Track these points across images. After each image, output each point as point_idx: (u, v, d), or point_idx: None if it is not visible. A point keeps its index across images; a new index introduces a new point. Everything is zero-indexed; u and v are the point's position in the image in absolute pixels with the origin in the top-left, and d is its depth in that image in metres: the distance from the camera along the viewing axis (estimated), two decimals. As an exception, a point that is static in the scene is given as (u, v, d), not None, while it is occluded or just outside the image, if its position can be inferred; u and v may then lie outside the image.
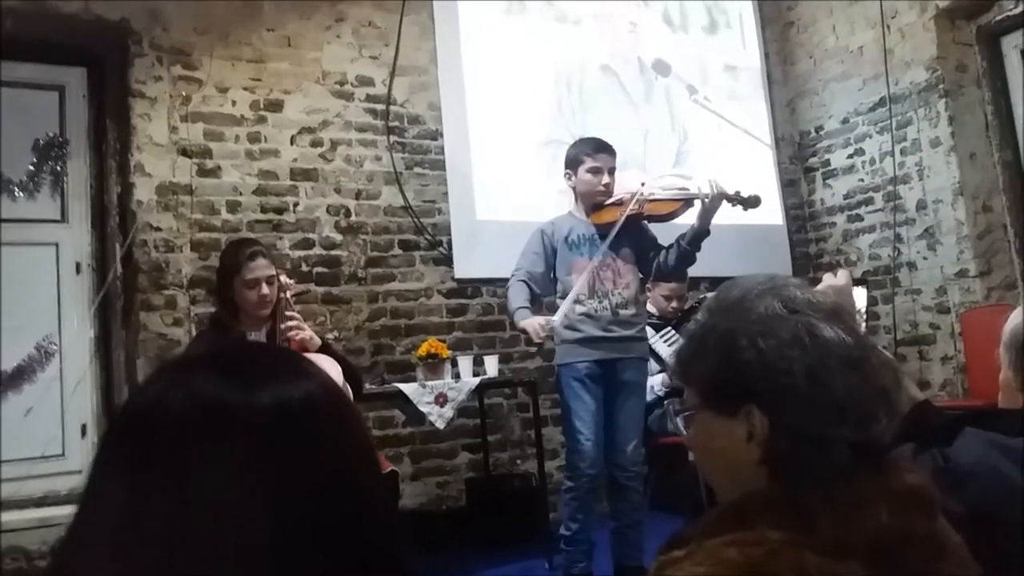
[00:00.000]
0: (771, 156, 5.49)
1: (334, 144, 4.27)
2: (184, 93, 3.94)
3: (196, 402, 0.62)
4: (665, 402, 3.50)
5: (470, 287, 4.49)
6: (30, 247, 3.80)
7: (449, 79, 4.57)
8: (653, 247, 3.28)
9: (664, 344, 3.97)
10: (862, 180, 5.17)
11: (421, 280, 4.38)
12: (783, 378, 0.85)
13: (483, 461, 4.24)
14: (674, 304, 4.12)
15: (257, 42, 4.15)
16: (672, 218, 3.24)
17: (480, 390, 3.84)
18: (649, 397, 3.39)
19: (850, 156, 5.25)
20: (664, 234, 3.31)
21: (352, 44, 4.39)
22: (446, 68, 4.58)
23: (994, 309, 4.15)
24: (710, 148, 5.16)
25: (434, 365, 3.61)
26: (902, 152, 4.89)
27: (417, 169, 4.46)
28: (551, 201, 3.98)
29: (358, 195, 4.29)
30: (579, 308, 3.13)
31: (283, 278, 2.90)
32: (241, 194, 4.02)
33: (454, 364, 3.77)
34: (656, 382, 3.71)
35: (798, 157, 5.62)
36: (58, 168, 3.89)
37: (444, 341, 3.86)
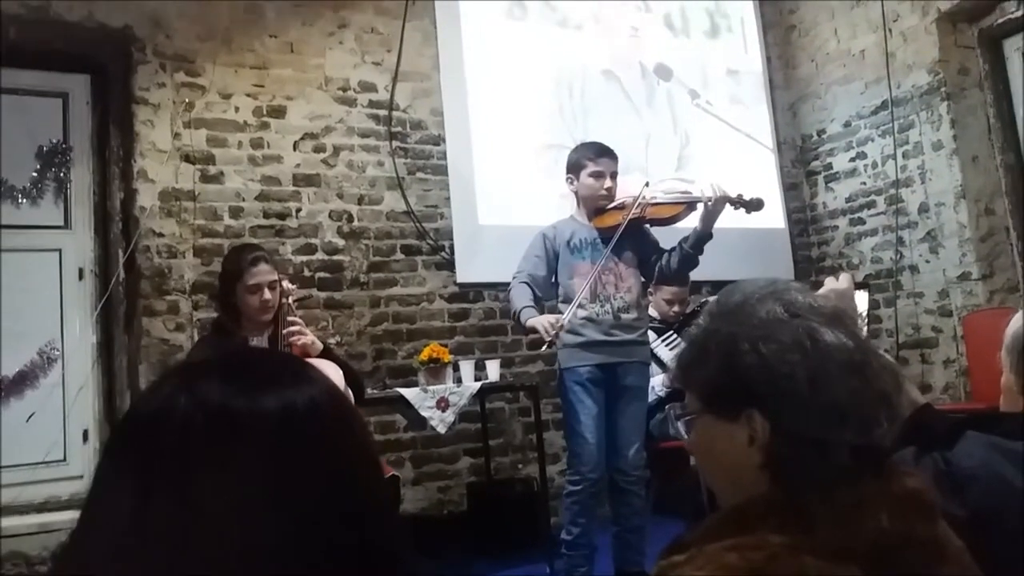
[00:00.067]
0: (773, 160, 5.49)
1: (337, 150, 4.27)
2: (187, 99, 3.96)
3: (200, 407, 0.63)
4: (666, 406, 3.50)
5: (472, 291, 4.49)
6: (33, 253, 3.81)
7: (451, 84, 4.58)
8: (655, 251, 3.28)
9: (666, 348, 3.97)
10: (864, 183, 5.17)
11: (423, 285, 4.39)
12: (784, 382, 0.85)
13: (485, 465, 4.24)
14: (676, 308, 4.12)
15: (260, 48, 4.17)
16: (674, 221, 3.23)
17: (482, 394, 3.84)
18: (650, 398, 3.39)
19: (852, 159, 5.25)
20: (666, 238, 3.31)
21: (355, 50, 4.40)
22: (448, 74, 4.59)
23: (996, 312, 4.14)
24: (712, 152, 5.17)
25: (436, 370, 3.61)
26: (904, 155, 4.89)
27: (419, 174, 4.47)
28: (553, 205, 3.99)
29: (360, 200, 4.30)
30: (581, 312, 3.13)
31: (285, 283, 2.90)
32: (244, 200, 4.03)
33: (456, 369, 3.77)
34: (657, 382, 3.70)
35: (800, 161, 5.62)
36: (61, 174, 3.90)
37: (446, 346, 3.87)
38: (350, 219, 4.26)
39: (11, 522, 3.37)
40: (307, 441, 0.64)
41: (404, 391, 3.52)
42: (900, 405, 0.98)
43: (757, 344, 0.87)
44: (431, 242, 4.43)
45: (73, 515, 0.63)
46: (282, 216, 4.11)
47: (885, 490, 0.84)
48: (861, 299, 1.64)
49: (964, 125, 4.65)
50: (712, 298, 1.00)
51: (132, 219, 3.82)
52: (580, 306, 3.12)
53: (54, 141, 3.90)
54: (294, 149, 4.18)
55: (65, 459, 3.71)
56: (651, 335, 3.62)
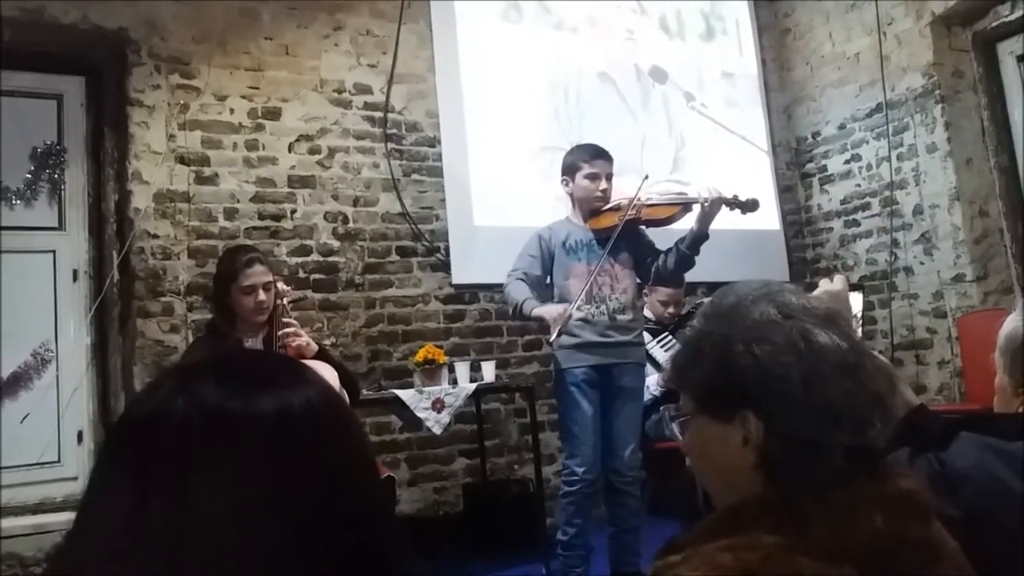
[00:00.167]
0: (768, 162, 5.50)
1: (332, 151, 4.27)
2: (182, 101, 3.95)
3: (197, 409, 0.63)
4: (661, 407, 3.50)
5: (467, 293, 4.49)
6: (27, 254, 3.80)
7: (447, 87, 4.58)
8: (651, 252, 3.28)
9: (661, 349, 3.98)
10: (859, 185, 5.19)
11: (418, 286, 4.39)
12: (778, 383, 0.85)
13: (480, 467, 4.24)
14: (671, 309, 4.13)
15: (255, 50, 4.16)
16: (670, 223, 3.24)
17: (477, 396, 3.84)
18: (646, 399, 3.39)
19: (847, 162, 5.26)
20: (662, 240, 3.32)
21: (350, 52, 4.40)
22: (444, 76, 4.59)
23: (991, 313, 4.15)
24: (707, 155, 5.18)
25: (431, 371, 3.61)
26: (899, 157, 4.90)
27: (415, 176, 4.47)
28: (548, 207, 3.99)
29: (356, 202, 4.30)
30: (577, 313, 3.14)
31: (280, 285, 2.90)
32: (239, 201, 4.02)
33: (451, 370, 3.77)
34: (652, 382, 3.70)
35: (795, 163, 5.64)
36: (56, 176, 3.89)
37: (441, 347, 3.86)
38: (345, 221, 4.26)
39: (6, 523, 3.36)
40: (303, 442, 0.65)
41: (400, 392, 3.52)
42: (894, 406, 0.98)
43: (751, 345, 0.87)
44: (426, 244, 4.43)
45: (68, 516, 0.62)
46: (277, 218, 4.10)
47: (879, 491, 0.84)
48: (855, 300, 1.65)
49: (958, 128, 4.67)
50: (707, 299, 1.00)
51: (126, 221, 3.81)
52: (576, 307, 3.13)
53: (48, 143, 3.89)
54: (289, 151, 4.17)
55: (59, 460, 3.70)
56: (646, 336, 3.62)
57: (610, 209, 3.26)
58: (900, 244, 4.90)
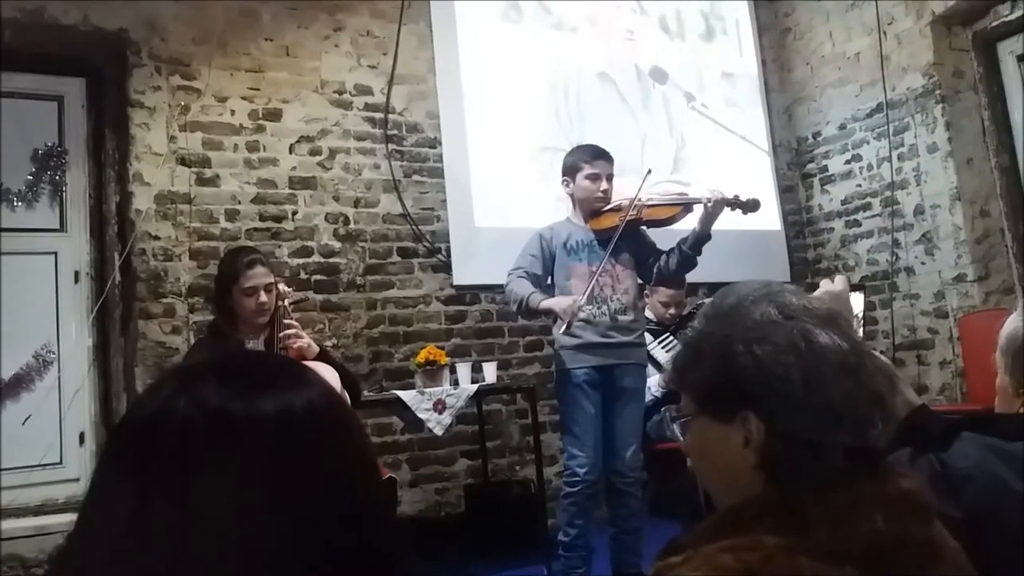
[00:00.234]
0: (769, 162, 5.50)
1: (333, 152, 4.28)
2: (183, 103, 3.95)
3: (199, 410, 0.63)
4: (662, 408, 3.49)
5: (468, 294, 4.49)
6: (29, 256, 3.80)
7: (447, 87, 4.58)
8: (652, 252, 3.29)
9: (662, 350, 3.98)
10: (860, 186, 5.19)
11: (420, 287, 4.39)
12: (779, 384, 0.85)
13: (482, 468, 4.24)
14: (672, 310, 4.13)
15: (255, 52, 4.17)
16: (671, 223, 3.24)
17: (478, 397, 3.84)
18: (647, 399, 3.39)
19: (848, 162, 5.26)
20: (663, 240, 3.32)
21: (351, 53, 4.40)
22: (444, 77, 4.59)
23: (992, 313, 4.15)
24: (708, 155, 5.18)
25: (432, 372, 3.61)
26: (899, 158, 4.90)
27: (416, 177, 4.47)
28: (549, 208, 3.99)
29: (357, 203, 4.30)
30: (578, 314, 3.13)
31: (281, 286, 2.91)
32: (240, 203, 4.03)
33: (452, 371, 3.77)
34: (653, 383, 3.70)
35: (796, 163, 5.64)
36: (57, 178, 3.89)
37: (442, 348, 3.86)
38: (346, 222, 4.26)
39: (7, 525, 3.36)
40: (305, 444, 0.65)
41: (401, 393, 3.52)
42: (895, 406, 0.98)
43: (751, 346, 0.88)
44: (427, 244, 4.43)
45: (69, 518, 0.63)
46: (278, 219, 4.11)
47: (880, 491, 0.84)
48: (856, 301, 1.65)
49: (959, 128, 4.66)
50: (707, 300, 1.00)
51: (128, 222, 3.82)
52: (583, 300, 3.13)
53: (49, 144, 3.90)
54: (290, 152, 4.18)
55: (61, 462, 3.70)
56: (647, 337, 3.62)
57: (611, 210, 3.26)
58: (901, 244, 4.90)
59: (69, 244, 3.90)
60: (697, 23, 5.47)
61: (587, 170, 3.26)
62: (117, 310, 3.84)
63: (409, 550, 0.72)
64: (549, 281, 3.27)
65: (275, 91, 4.18)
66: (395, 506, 3.30)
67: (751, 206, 3.11)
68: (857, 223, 5.21)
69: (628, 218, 3.15)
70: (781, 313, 0.89)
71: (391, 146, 4.42)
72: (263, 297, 2.79)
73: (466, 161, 4.54)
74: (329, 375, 2.57)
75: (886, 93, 4.92)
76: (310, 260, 4.15)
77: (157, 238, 3.83)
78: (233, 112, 4.07)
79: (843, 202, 5.30)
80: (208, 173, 3.98)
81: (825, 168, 5.42)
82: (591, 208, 3.28)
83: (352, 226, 4.27)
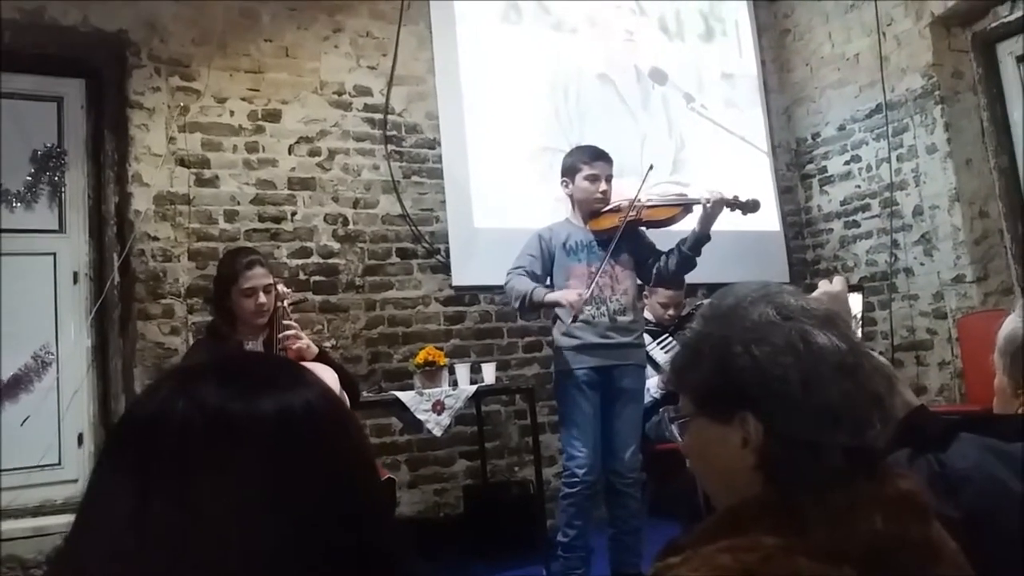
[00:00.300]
0: (768, 163, 5.50)
1: (332, 153, 4.28)
2: (182, 104, 3.95)
3: (198, 410, 0.63)
4: (661, 409, 3.49)
5: (468, 295, 4.49)
6: (28, 257, 3.80)
7: (446, 88, 4.58)
8: (651, 253, 3.29)
9: (661, 351, 3.98)
10: (859, 187, 5.19)
11: (419, 288, 4.39)
12: (777, 384, 0.86)
13: (481, 468, 4.23)
14: (671, 311, 4.13)
15: (255, 52, 4.17)
16: (671, 224, 3.25)
17: (477, 397, 3.84)
18: (646, 400, 3.39)
19: (847, 163, 5.26)
20: (662, 241, 3.32)
21: (350, 54, 4.40)
22: (443, 77, 4.59)
23: (991, 314, 4.15)
24: (707, 156, 5.18)
25: (431, 373, 3.61)
26: (899, 158, 4.90)
27: (415, 178, 4.47)
28: (548, 209, 3.99)
29: (356, 204, 4.30)
30: (584, 308, 3.13)
31: (280, 287, 2.91)
32: (239, 203, 4.03)
33: (451, 372, 3.77)
34: (652, 384, 3.71)
35: (795, 164, 5.64)
36: (56, 179, 3.89)
37: (441, 349, 3.86)
38: (345, 223, 4.26)
39: (6, 526, 3.36)
40: (304, 444, 0.65)
41: (400, 394, 3.52)
42: (893, 406, 0.98)
43: (750, 347, 0.88)
44: (426, 245, 4.43)
45: (68, 519, 0.62)
46: (277, 220, 4.11)
47: (879, 492, 0.84)
48: (855, 301, 1.65)
49: (958, 128, 4.67)
50: (706, 301, 1.00)
51: (127, 223, 3.82)
52: (568, 319, 3.13)
53: (48, 145, 3.90)
54: (289, 153, 4.18)
55: (60, 463, 3.70)
56: (646, 338, 3.62)
57: (610, 210, 3.27)
58: (900, 245, 4.90)
59: (68, 245, 3.90)
60: (696, 24, 5.47)
61: (586, 171, 3.27)
62: (116, 311, 3.84)
63: (409, 550, 0.72)
64: (548, 282, 3.27)
65: (274, 92, 4.18)
66: (394, 507, 3.30)
67: (751, 207, 3.11)
68: (856, 224, 5.21)
69: (628, 219, 3.15)
70: (779, 314, 0.90)
71: (390, 147, 4.42)
72: (262, 298, 2.79)
73: (465, 162, 4.54)
74: (328, 376, 2.57)
75: (885, 94, 4.92)
76: (309, 261, 4.15)
77: (156, 239, 3.83)
78: (232, 113, 4.07)
79: (842, 203, 5.30)
80: (207, 174, 3.98)
81: (824, 169, 5.43)
82: (590, 209, 3.28)
83: (351, 227, 4.27)
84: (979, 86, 4.72)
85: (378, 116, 4.42)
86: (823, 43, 5.39)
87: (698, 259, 3.19)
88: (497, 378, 3.92)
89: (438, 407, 3.48)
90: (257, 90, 4.14)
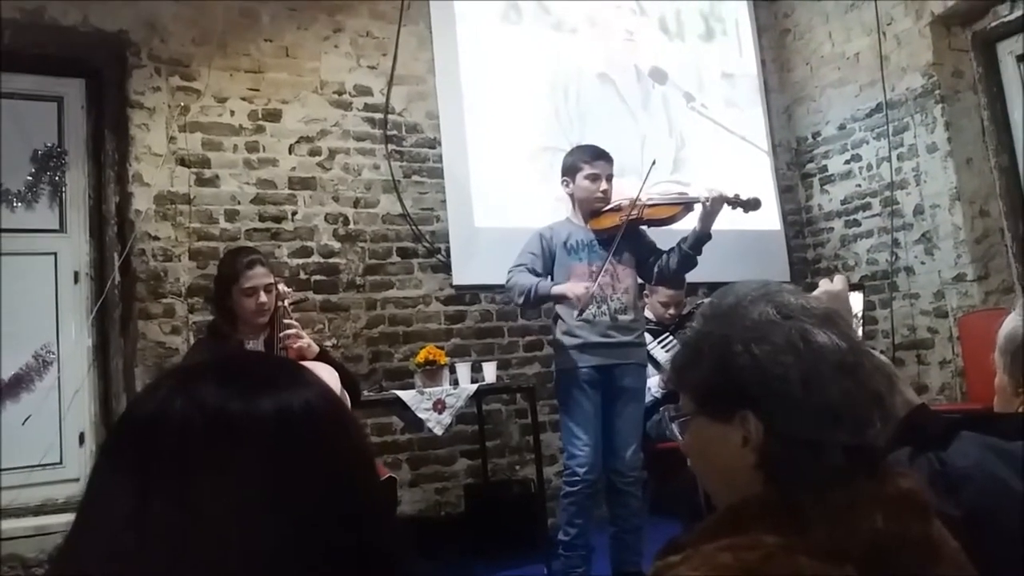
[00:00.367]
0: (768, 162, 5.50)
1: (332, 153, 4.28)
2: (182, 103, 3.96)
3: (197, 410, 0.63)
4: (661, 408, 3.50)
5: (468, 294, 4.49)
6: (29, 256, 3.80)
7: (447, 88, 4.58)
8: (652, 252, 3.29)
9: (662, 350, 3.98)
10: (859, 185, 5.19)
11: (419, 287, 4.39)
12: (777, 383, 0.86)
13: (482, 467, 4.24)
14: (672, 310, 4.13)
15: (255, 52, 4.17)
16: (672, 222, 3.24)
17: (478, 396, 3.84)
18: (647, 399, 3.39)
19: (847, 162, 5.26)
20: (662, 240, 3.32)
21: (350, 54, 4.40)
22: (444, 77, 4.59)
23: (992, 313, 4.15)
24: (707, 155, 5.18)
25: (432, 372, 3.61)
26: (899, 158, 4.90)
27: (415, 177, 4.47)
28: (548, 208, 3.99)
29: (356, 203, 4.30)
30: (577, 314, 3.14)
31: (281, 286, 2.90)
32: (239, 203, 4.03)
33: (452, 371, 3.77)
34: (653, 383, 3.71)
35: (795, 163, 5.64)
36: (56, 178, 3.90)
37: (442, 348, 3.86)
38: (346, 222, 4.26)
39: (7, 525, 3.36)
40: (303, 444, 0.65)
41: (401, 393, 3.52)
42: (894, 405, 0.99)
43: (750, 345, 0.88)
44: (427, 245, 4.43)
45: (69, 518, 0.62)
46: (278, 219, 4.11)
47: (879, 490, 0.84)
48: (855, 300, 1.65)
49: (958, 128, 4.67)
50: (706, 300, 1.00)
51: (127, 223, 3.82)
52: (573, 313, 3.13)
53: (49, 145, 3.90)
54: (289, 152, 4.18)
55: (61, 462, 3.70)
56: (647, 337, 3.62)
57: (610, 210, 3.27)
58: (901, 244, 4.90)
59: (69, 244, 3.90)
60: (697, 24, 5.47)
61: (587, 170, 3.27)
62: (117, 310, 3.84)
63: (409, 550, 0.72)
64: (549, 280, 3.27)
65: (275, 92, 4.18)
66: (395, 506, 3.30)
67: (752, 205, 3.11)
68: (857, 223, 5.21)
69: (629, 217, 3.15)
70: (779, 313, 0.89)
71: (391, 146, 4.42)
72: (263, 297, 2.79)
73: (466, 161, 4.54)
74: (329, 375, 2.57)
75: (885, 93, 4.92)
76: (310, 260, 4.15)
77: (157, 238, 3.83)
78: (233, 113, 4.07)
79: (843, 202, 5.30)
80: (208, 173, 3.98)
81: (825, 168, 5.42)
82: (591, 208, 3.28)
83: (352, 226, 4.27)
84: (979, 85, 4.72)
85: (378, 116, 4.42)
86: (823, 42, 5.39)
87: (699, 258, 3.19)
88: (498, 377, 3.92)
89: (439, 406, 3.48)
90: (257, 90, 4.14)
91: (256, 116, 4.12)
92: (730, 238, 4.25)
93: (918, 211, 4.81)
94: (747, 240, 4.83)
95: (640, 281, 3.38)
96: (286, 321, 2.84)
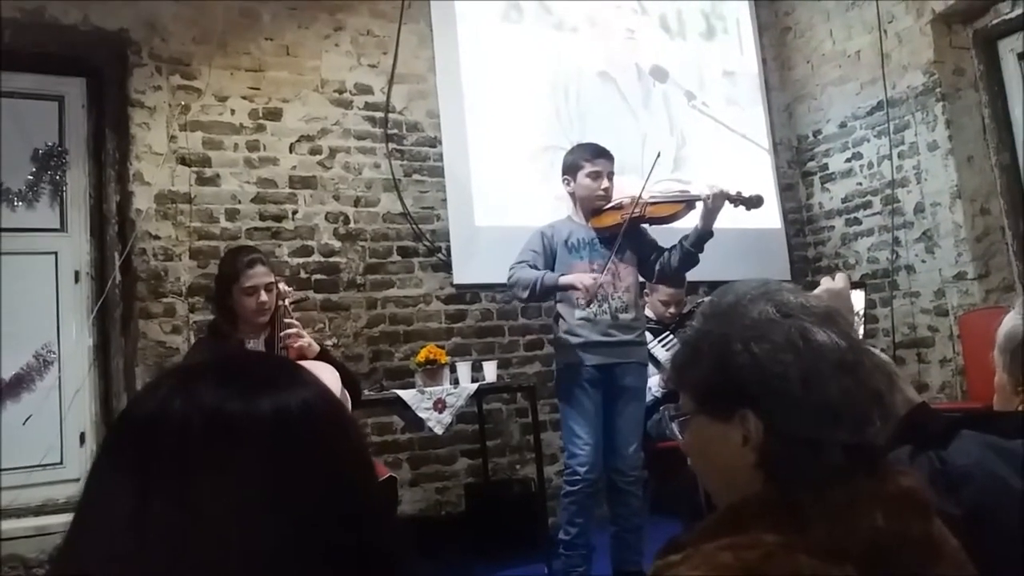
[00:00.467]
0: (769, 160, 5.50)
1: (333, 152, 4.28)
2: (183, 102, 3.96)
3: (196, 410, 0.63)
4: (662, 407, 3.49)
5: (469, 293, 4.49)
6: (29, 256, 3.80)
7: (447, 87, 4.58)
8: (653, 250, 3.29)
9: (663, 349, 3.98)
10: (860, 184, 5.18)
11: (420, 286, 4.39)
12: (777, 382, 0.85)
13: (482, 467, 4.24)
14: (672, 309, 4.13)
15: (256, 51, 4.17)
16: (673, 220, 3.24)
17: (479, 396, 3.84)
18: (647, 398, 3.39)
19: (848, 160, 5.26)
20: (664, 239, 3.32)
21: (351, 52, 4.40)
22: (444, 76, 4.59)
23: (992, 312, 4.15)
24: (708, 153, 5.17)
25: (433, 371, 3.61)
26: (900, 156, 4.90)
27: (416, 176, 4.47)
28: (549, 207, 3.99)
29: (357, 202, 4.30)
30: (579, 313, 3.14)
31: (282, 285, 2.90)
32: (240, 202, 4.03)
33: (453, 370, 3.77)
34: (654, 383, 3.71)
35: (796, 161, 5.63)
36: (57, 177, 3.90)
37: (443, 347, 3.87)
38: (346, 221, 4.26)
39: (8, 525, 3.36)
40: (302, 444, 0.65)
41: (401, 392, 3.52)
42: (894, 404, 0.98)
43: (750, 344, 0.87)
44: (428, 244, 4.43)
45: (70, 518, 0.62)
46: (278, 218, 4.11)
47: (879, 489, 0.84)
48: (857, 298, 1.64)
49: (959, 126, 4.66)
50: (706, 299, 1.00)
51: (128, 222, 3.82)
52: (578, 307, 3.13)
53: (50, 144, 3.90)
54: (290, 151, 4.18)
55: (62, 462, 3.71)
56: (648, 336, 3.62)
57: (612, 208, 3.26)
58: (901, 242, 4.90)
59: (69, 244, 3.90)
60: (698, 22, 5.47)
61: (588, 168, 3.26)
62: (117, 310, 3.84)
63: (409, 549, 0.72)
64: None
65: (275, 90, 4.18)
66: (395, 505, 3.30)
67: (753, 202, 3.11)
68: (857, 221, 5.21)
69: (631, 216, 3.15)
70: (779, 311, 0.89)
71: (391, 145, 4.42)
72: (263, 296, 2.79)
73: (466, 160, 4.54)
74: (329, 375, 2.57)
75: (886, 91, 4.92)
76: (310, 259, 4.15)
77: (157, 238, 3.83)
78: (233, 111, 4.07)
79: (843, 200, 5.30)
80: (208, 172, 3.98)
81: (825, 166, 5.42)
82: (592, 206, 3.28)
83: (352, 225, 4.27)
84: (980, 83, 4.72)
85: (379, 114, 4.42)
86: (824, 40, 5.38)
87: (701, 255, 3.18)
88: (498, 376, 3.92)
89: (439, 405, 3.49)
90: (258, 89, 4.14)
91: (257, 115, 4.12)
92: (731, 237, 4.25)
93: (919, 209, 4.81)
94: (748, 239, 4.83)
95: (641, 280, 3.37)
96: (287, 320, 2.83)
